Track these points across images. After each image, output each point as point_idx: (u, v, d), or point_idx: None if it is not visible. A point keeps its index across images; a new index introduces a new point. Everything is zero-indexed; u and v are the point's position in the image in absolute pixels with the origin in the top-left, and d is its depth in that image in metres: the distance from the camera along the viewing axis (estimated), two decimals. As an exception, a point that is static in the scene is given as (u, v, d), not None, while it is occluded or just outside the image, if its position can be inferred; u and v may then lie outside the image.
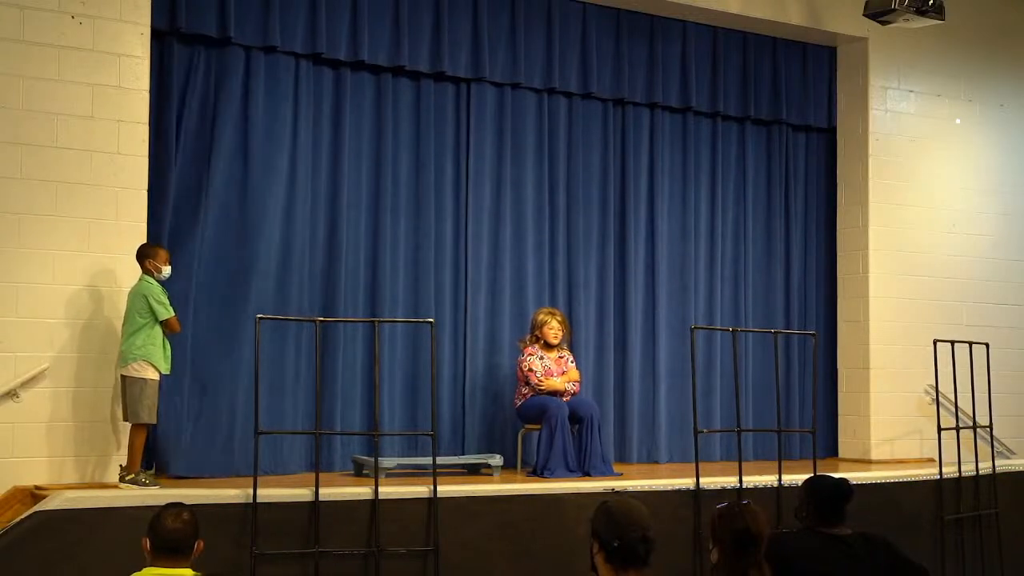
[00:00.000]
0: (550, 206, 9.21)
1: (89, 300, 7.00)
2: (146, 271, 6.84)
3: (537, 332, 8.32)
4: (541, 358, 8.24)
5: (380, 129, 8.55)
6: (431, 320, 7.46)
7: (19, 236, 6.82)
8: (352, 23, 8.29)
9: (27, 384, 6.76)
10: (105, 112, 7.07)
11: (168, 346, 6.92)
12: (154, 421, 6.89)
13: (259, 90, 8.02)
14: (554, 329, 8.29)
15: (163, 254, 6.91)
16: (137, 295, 6.81)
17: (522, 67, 8.96)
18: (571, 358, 8.44)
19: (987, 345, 8.97)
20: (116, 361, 6.92)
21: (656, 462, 9.36)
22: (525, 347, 8.34)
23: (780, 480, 7.65)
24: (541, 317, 8.37)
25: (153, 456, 7.37)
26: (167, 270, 6.90)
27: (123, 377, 6.81)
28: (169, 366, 6.96)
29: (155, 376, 6.80)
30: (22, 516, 6.07)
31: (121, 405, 6.86)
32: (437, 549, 6.75)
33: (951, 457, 8.67)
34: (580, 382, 8.35)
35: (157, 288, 6.81)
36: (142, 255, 6.87)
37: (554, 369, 8.25)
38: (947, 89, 10.42)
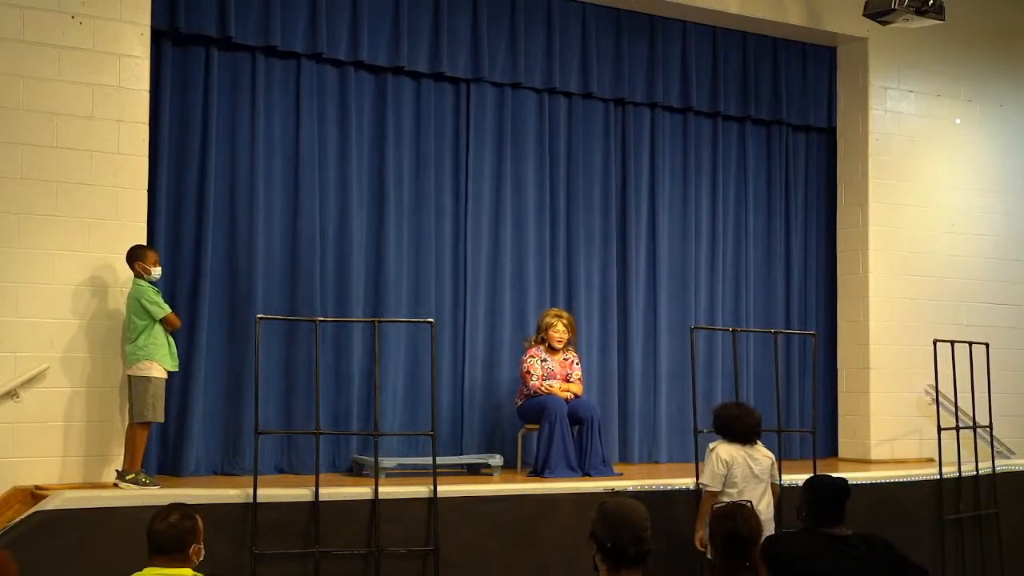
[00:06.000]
0: (550, 206, 9.21)
1: (89, 300, 7.00)
2: (136, 273, 6.86)
3: (542, 334, 8.28)
4: (544, 360, 8.21)
5: (380, 129, 8.55)
6: (431, 320, 7.46)
7: (19, 236, 6.83)
8: (352, 23, 8.29)
9: (27, 384, 6.77)
10: (105, 112, 7.08)
11: (173, 343, 6.94)
12: (161, 419, 6.91)
13: (259, 90, 8.04)
14: (559, 333, 8.23)
15: (152, 255, 6.93)
16: (131, 299, 6.85)
17: (522, 67, 8.96)
18: (577, 360, 8.40)
19: (987, 345, 8.97)
20: (123, 364, 6.95)
21: (656, 462, 9.37)
22: (529, 347, 8.32)
23: (780, 480, 7.64)
24: (548, 320, 8.30)
25: (154, 456, 7.41)
26: (156, 271, 6.90)
27: (129, 377, 6.84)
28: (176, 363, 7.00)
29: (161, 374, 6.83)
30: (22, 516, 6.07)
31: (128, 406, 6.88)
32: (437, 549, 6.75)
33: (951, 457, 8.67)
34: (579, 395, 8.27)
35: (149, 289, 6.83)
36: (131, 257, 6.89)
37: (558, 371, 8.22)
38: (947, 89, 10.43)
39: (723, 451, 6.45)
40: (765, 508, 6.38)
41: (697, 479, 7.35)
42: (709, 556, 4.62)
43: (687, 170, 9.80)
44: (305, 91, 8.24)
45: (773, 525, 6.39)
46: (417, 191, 8.69)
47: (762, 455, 6.54)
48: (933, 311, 10.07)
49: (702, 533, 6.46)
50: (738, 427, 6.49)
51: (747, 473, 6.41)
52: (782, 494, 6.87)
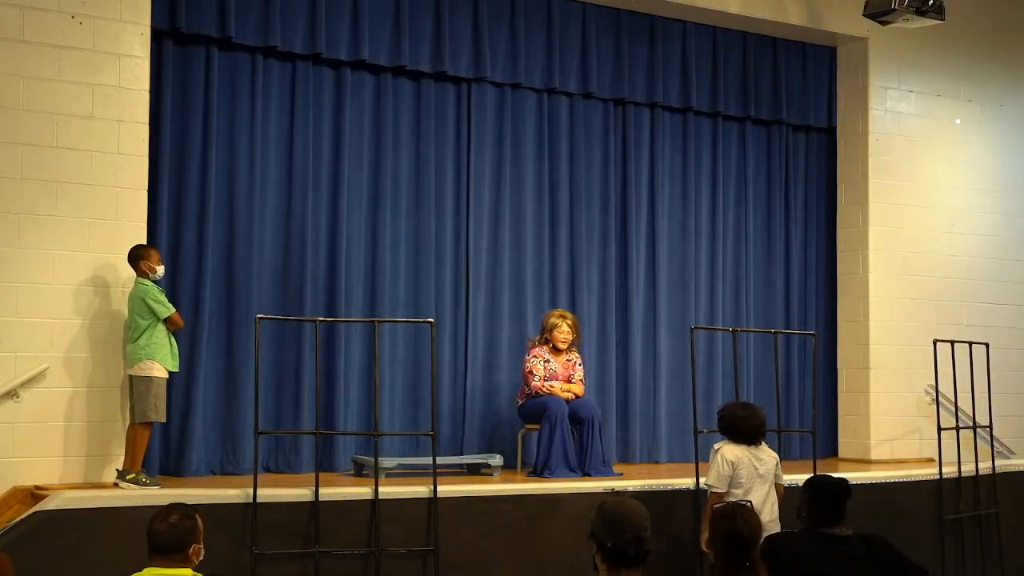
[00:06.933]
0: (550, 206, 9.21)
1: (89, 300, 7.00)
2: (140, 272, 6.86)
3: (547, 335, 8.27)
4: (547, 361, 8.20)
5: (380, 129, 8.55)
6: (431, 320, 7.45)
7: (19, 236, 6.83)
8: (352, 23, 8.30)
9: (27, 384, 6.77)
10: (105, 112, 7.08)
11: (175, 344, 6.95)
12: (163, 419, 6.92)
13: (259, 90, 8.05)
14: (564, 333, 8.22)
15: (155, 254, 6.93)
16: (134, 298, 6.84)
17: (522, 67, 8.97)
18: (580, 361, 8.39)
19: (987, 345, 8.96)
20: (124, 364, 6.95)
21: (656, 462, 9.37)
22: (532, 347, 8.32)
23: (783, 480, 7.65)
24: (552, 320, 8.28)
25: (156, 457, 7.42)
26: (161, 270, 6.92)
27: (130, 377, 6.84)
28: (177, 363, 7.01)
29: (162, 374, 6.83)
30: (22, 516, 6.07)
31: (129, 406, 6.88)
32: (437, 549, 6.75)
33: (951, 457, 8.67)
34: (581, 396, 8.26)
35: (153, 288, 6.83)
36: (135, 257, 6.88)
37: (560, 373, 8.21)
38: (947, 89, 10.43)
39: (728, 452, 6.43)
40: (770, 508, 6.37)
41: (697, 479, 7.36)
42: (711, 559, 4.63)
43: (687, 170, 9.80)
44: (305, 91, 8.25)
45: (779, 525, 6.37)
46: (417, 191, 8.69)
47: (767, 455, 6.53)
48: (933, 311, 10.07)
49: (708, 535, 6.45)
50: (745, 427, 6.46)
51: (752, 473, 6.40)
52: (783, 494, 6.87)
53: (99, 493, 6.43)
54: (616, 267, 9.44)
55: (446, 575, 6.77)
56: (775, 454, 6.63)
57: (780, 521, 6.53)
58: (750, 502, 5.36)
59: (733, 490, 6.34)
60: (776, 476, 6.55)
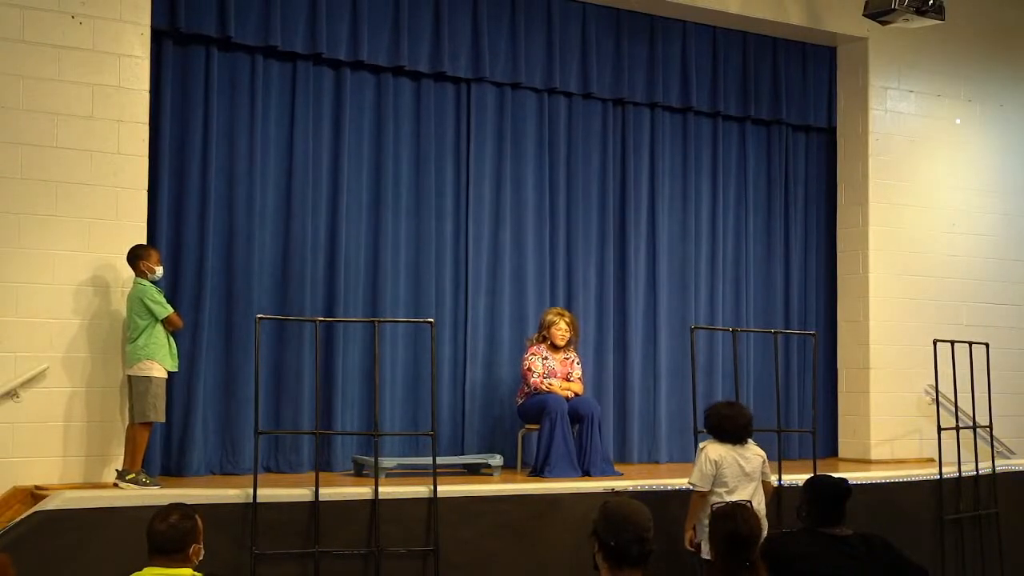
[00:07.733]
0: (550, 206, 9.21)
1: (89, 300, 7.00)
2: (139, 273, 6.86)
3: (544, 332, 8.28)
4: (545, 358, 8.22)
5: (380, 129, 8.56)
6: (431, 320, 7.45)
7: (19, 236, 6.83)
8: (352, 23, 8.30)
9: (27, 384, 6.77)
10: (105, 112, 7.08)
11: (174, 343, 6.95)
12: (162, 419, 6.93)
13: (259, 90, 8.05)
14: (562, 331, 8.24)
15: (155, 255, 6.93)
16: (133, 298, 6.84)
17: (522, 67, 8.97)
18: (577, 359, 8.41)
19: (987, 345, 8.96)
20: (123, 364, 6.95)
21: (656, 462, 9.37)
22: (531, 345, 8.33)
23: (780, 480, 7.65)
24: (550, 318, 8.31)
25: (157, 457, 7.42)
26: (160, 270, 6.91)
27: (129, 377, 6.84)
28: (176, 363, 7.01)
29: (161, 374, 6.84)
30: (22, 516, 6.07)
31: (129, 406, 6.88)
32: (437, 549, 6.75)
33: (951, 457, 8.67)
34: (580, 394, 8.26)
35: (151, 288, 6.83)
36: (134, 257, 6.88)
37: (559, 371, 8.22)
38: (947, 89, 10.43)
39: (712, 451, 6.44)
40: (756, 506, 6.38)
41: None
42: (704, 556, 4.62)
43: (687, 170, 9.80)
44: (305, 91, 8.25)
45: (766, 523, 6.39)
46: (417, 191, 8.70)
47: (753, 454, 6.53)
48: (933, 311, 10.08)
49: (691, 533, 6.46)
50: (730, 426, 6.48)
51: (738, 472, 6.40)
52: (783, 494, 6.87)
53: (99, 493, 6.43)
54: (616, 267, 9.44)
55: (446, 575, 6.77)
56: (762, 452, 6.63)
57: (772, 520, 6.53)
58: (749, 502, 5.37)
59: (717, 489, 6.35)
60: (764, 474, 6.55)
